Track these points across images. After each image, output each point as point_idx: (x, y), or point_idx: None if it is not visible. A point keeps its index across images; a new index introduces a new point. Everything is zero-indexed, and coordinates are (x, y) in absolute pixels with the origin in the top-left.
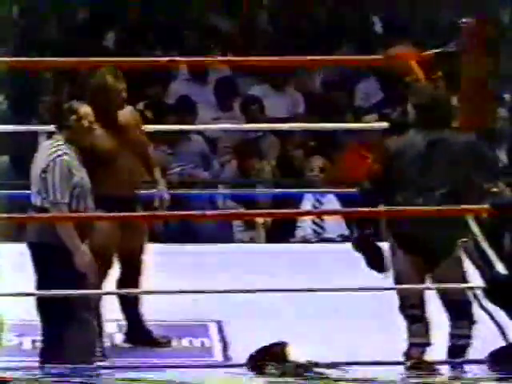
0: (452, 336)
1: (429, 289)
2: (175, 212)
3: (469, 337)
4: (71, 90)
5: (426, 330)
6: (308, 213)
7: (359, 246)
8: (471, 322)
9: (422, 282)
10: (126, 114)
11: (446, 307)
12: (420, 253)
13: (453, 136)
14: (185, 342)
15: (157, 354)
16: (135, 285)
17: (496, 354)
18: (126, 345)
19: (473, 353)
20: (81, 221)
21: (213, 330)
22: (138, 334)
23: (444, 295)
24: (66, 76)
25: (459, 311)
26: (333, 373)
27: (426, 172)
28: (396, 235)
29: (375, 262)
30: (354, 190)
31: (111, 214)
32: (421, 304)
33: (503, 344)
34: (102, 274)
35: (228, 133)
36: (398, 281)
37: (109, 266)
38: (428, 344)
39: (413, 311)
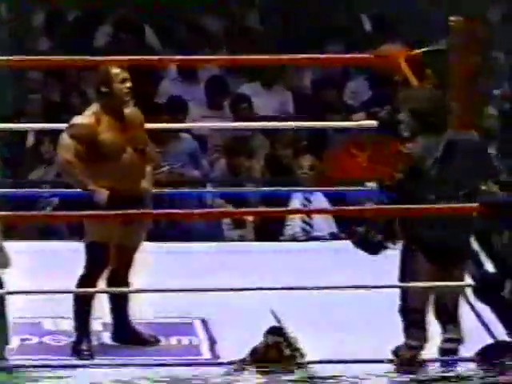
0: (444, 340)
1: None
2: (164, 210)
3: (460, 341)
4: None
5: (424, 334)
6: (297, 211)
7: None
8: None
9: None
10: (131, 112)
11: (440, 310)
12: (440, 259)
13: (462, 136)
14: (173, 341)
15: (145, 353)
16: (125, 283)
17: (484, 352)
18: (114, 343)
19: (461, 351)
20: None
21: (200, 328)
22: (126, 333)
23: (441, 299)
24: (54, 74)
25: (452, 314)
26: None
27: (449, 175)
28: (416, 241)
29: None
30: (342, 188)
31: (100, 212)
32: (424, 308)
33: (490, 342)
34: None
35: (217, 131)
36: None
37: (106, 261)
38: (422, 347)
39: (415, 315)
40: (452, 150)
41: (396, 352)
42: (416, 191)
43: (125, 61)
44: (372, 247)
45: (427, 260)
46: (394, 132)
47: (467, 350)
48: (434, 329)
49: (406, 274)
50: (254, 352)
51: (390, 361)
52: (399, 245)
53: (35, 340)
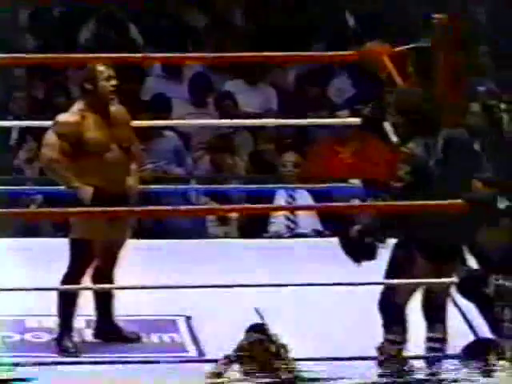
0: (429, 339)
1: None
2: (148, 207)
3: (445, 340)
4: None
5: (405, 329)
6: (281, 208)
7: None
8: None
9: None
10: (117, 109)
11: (428, 308)
12: (441, 259)
13: (456, 133)
14: (154, 338)
15: (128, 350)
16: (110, 280)
17: (468, 349)
18: (97, 340)
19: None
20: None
21: (182, 325)
22: (109, 330)
23: (429, 297)
24: (39, 72)
25: (440, 313)
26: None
27: (454, 174)
28: (416, 241)
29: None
30: (326, 185)
31: (85, 209)
32: (406, 304)
33: (473, 339)
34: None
35: (202, 128)
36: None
37: (90, 258)
38: (404, 342)
39: (397, 311)
40: (452, 147)
41: (380, 349)
42: (425, 194)
43: (109, 58)
44: (365, 252)
45: (423, 258)
46: (378, 129)
47: (451, 347)
48: (418, 327)
49: (395, 270)
50: (239, 349)
51: (374, 358)
52: (388, 244)
53: (17, 337)
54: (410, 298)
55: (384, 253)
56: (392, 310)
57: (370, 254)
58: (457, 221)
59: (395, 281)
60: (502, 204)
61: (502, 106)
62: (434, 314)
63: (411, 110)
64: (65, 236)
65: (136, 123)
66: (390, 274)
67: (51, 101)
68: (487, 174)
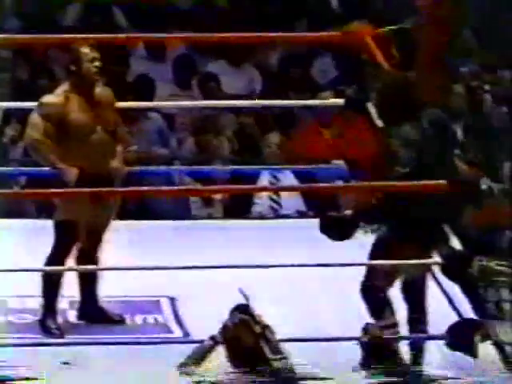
0: (411, 320)
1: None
2: (132, 188)
3: (425, 322)
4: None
5: (392, 312)
6: (265, 189)
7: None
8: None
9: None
10: (102, 91)
11: (407, 291)
12: (419, 240)
13: (434, 113)
14: (138, 319)
15: (112, 331)
16: (94, 261)
17: (452, 330)
18: (80, 322)
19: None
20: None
21: (166, 306)
22: (93, 311)
23: (408, 279)
24: (23, 53)
25: (419, 296)
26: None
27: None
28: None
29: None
30: (310, 166)
31: (68, 190)
32: (389, 287)
33: (457, 320)
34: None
35: (185, 110)
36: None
37: (75, 239)
38: (394, 325)
39: (381, 295)
40: (435, 128)
41: (366, 330)
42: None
43: (93, 39)
44: (343, 230)
45: (404, 240)
46: (362, 110)
47: (435, 328)
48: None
49: (378, 253)
50: (224, 330)
51: (358, 338)
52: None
53: (0, 319)
54: (392, 281)
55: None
56: (375, 296)
57: (349, 234)
58: (440, 202)
59: (377, 262)
60: (485, 185)
61: (486, 87)
62: (414, 296)
63: (396, 95)
64: (48, 217)
65: (120, 104)
66: (373, 257)
67: (36, 82)
68: (471, 155)
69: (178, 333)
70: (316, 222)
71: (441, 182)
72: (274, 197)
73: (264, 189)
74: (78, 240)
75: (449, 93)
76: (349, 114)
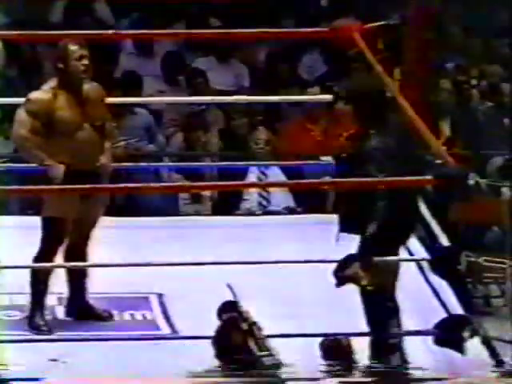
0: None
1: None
2: (120, 184)
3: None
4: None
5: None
6: (253, 185)
7: None
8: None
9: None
10: (91, 88)
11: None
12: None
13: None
14: (126, 316)
15: (100, 327)
16: (83, 258)
17: (440, 326)
18: (69, 318)
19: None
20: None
21: (154, 302)
22: (81, 308)
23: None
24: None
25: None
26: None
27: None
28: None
29: None
30: (298, 162)
31: (56, 187)
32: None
33: (445, 316)
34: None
35: (173, 106)
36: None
37: (63, 236)
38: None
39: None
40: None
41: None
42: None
43: (79, 35)
44: None
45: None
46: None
47: (424, 323)
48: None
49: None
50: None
51: (346, 334)
52: None
53: None
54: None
55: None
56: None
57: None
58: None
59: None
60: (472, 180)
61: (473, 81)
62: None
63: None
64: (35, 214)
65: (108, 100)
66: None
67: (24, 78)
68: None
69: (165, 329)
70: (304, 217)
71: (429, 177)
72: (263, 193)
73: (252, 185)
74: (66, 236)
75: (435, 88)
76: (336, 110)
